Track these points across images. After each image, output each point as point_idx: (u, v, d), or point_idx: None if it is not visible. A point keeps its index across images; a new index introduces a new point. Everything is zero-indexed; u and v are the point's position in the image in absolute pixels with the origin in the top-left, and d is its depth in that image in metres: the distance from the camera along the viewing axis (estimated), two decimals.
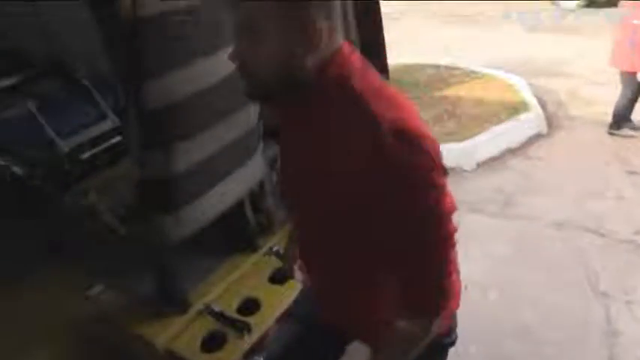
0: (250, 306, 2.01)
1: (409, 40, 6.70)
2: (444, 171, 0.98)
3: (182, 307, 1.94)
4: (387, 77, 2.10)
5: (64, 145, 2.37)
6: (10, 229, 2.23)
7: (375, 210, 0.96)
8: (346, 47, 1.00)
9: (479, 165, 4.07)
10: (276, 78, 0.95)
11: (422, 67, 5.80)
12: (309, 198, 1.08)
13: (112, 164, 2.50)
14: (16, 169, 2.37)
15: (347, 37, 1.60)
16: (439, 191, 0.96)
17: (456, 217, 1.01)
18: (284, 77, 0.95)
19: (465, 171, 4.01)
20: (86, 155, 2.44)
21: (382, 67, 1.75)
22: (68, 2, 2.28)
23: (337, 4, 0.96)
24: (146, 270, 1.96)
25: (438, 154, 0.97)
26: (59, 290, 2.07)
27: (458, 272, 1.08)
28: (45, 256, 2.19)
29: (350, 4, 1.97)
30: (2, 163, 2.41)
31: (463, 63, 5.86)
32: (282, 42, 0.91)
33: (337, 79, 0.97)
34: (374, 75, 1.02)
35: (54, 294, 2.05)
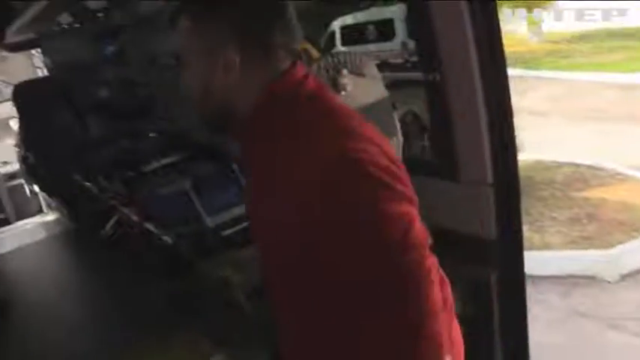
0: None
1: (548, 137, 6.46)
2: (409, 198, 0.88)
3: None
4: (516, 175, 1.92)
5: (210, 222, 2.64)
6: (146, 295, 2.49)
7: (334, 254, 0.86)
8: (297, 73, 0.94)
9: (623, 277, 3.70)
10: (202, 106, 0.97)
11: (559, 165, 5.52)
12: (266, 246, 0.99)
13: (248, 244, 2.69)
14: (166, 239, 2.68)
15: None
16: (402, 223, 0.85)
17: None
18: (207, 106, 0.96)
19: (606, 282, 3.66)
20: (227, 232, 2.68)
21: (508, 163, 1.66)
22: None
23: (276, 34, 0.93)
24: (264, 347, 2.05)
25: (397, 179, 0.87)
26: (184, 355, 2.23)
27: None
28: (175, 319, 2.39)
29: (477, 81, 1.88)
30: (155, 231, 2.75)
31: (608, 163, 5.49)
32: (197, 69, 0.95)
33: (278, 110, 0.92)
34: (329, 99, 0.95)
35: (179, 358, 2.22)
